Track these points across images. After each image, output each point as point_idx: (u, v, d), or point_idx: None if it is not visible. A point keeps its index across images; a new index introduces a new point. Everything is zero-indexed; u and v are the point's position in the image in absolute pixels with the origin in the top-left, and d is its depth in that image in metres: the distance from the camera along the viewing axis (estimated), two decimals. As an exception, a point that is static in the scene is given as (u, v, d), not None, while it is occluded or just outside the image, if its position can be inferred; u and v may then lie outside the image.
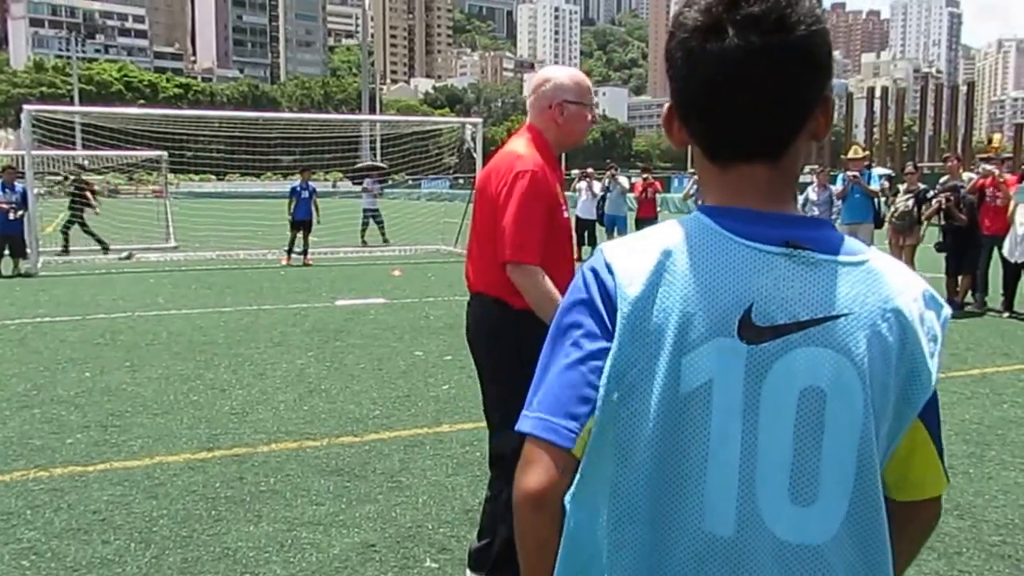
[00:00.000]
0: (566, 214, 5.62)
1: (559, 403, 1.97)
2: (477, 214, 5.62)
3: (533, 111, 5.65)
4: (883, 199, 21.66)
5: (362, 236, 37.46)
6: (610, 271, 2.00)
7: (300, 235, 29.00)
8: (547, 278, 5.18)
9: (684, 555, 1.93)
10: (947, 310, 2.02)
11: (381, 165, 45.13)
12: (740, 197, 1.99)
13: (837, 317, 1.89)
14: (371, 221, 38.20)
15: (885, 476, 1.97)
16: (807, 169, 25.70)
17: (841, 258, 1.93)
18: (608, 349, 1.96)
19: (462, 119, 40.57)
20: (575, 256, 23.26)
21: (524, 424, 2.00)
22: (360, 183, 39.53)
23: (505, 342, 5.48)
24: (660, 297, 1.94)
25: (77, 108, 47.42)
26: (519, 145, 5.55)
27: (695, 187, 25.84)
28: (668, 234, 2.01)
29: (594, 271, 2.03)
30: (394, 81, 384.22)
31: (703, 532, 1.91)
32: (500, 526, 5.61)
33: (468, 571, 6.05)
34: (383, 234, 37.64)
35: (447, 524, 7.16)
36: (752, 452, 1.89)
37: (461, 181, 36.51)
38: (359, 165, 38.52)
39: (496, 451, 5.74)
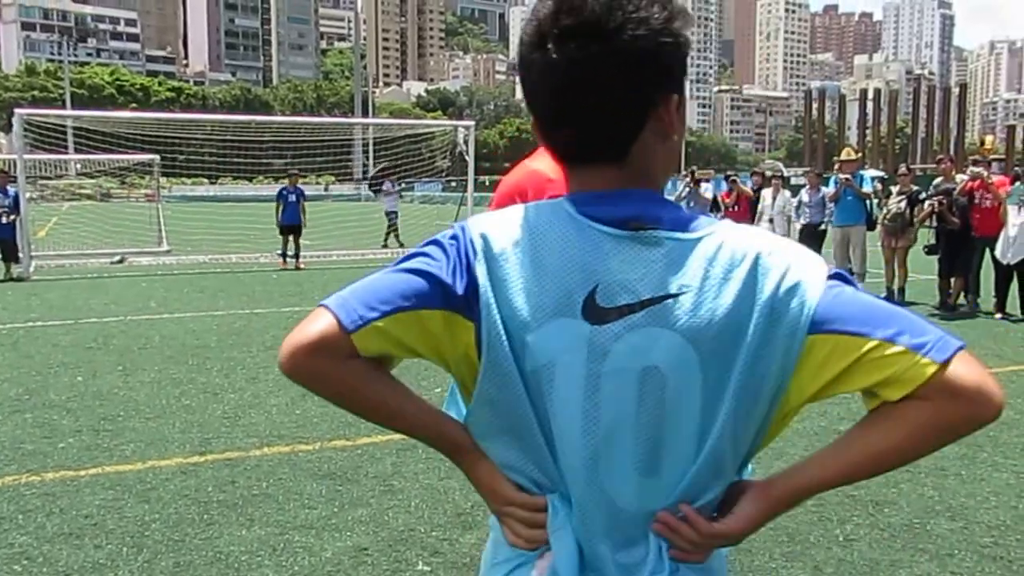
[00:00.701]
0: None
1: (365, 293, 2.04)
2: None
3: None
4: (875, 201, 21.71)
5: (385, 240, 36.98)
6: (471, 238, 2.07)
7: (292, 239, 28.99)
8: None
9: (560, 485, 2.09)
10: (821, 270, 1.98)
11: (392, 166, 45.10)
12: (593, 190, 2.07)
13: (678, 295, 1.93)
14: (395, 223, 37.66)
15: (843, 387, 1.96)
16: (800, 171, 25.74)
17: (683, 235, 1.97)
18: (441, 290, 2.02)
19: (454, 122, 40.54)
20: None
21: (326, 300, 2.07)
22: (378, 188, 39.10)
23: None
24: (510, 274, 2.01)
25: (69, 112, 47.40)
26: (546, 165, 5.56)
27: (687, 189, 25.86)
28: (526, 215, 2.08)
29: (463, 229, 2.11)
30: (386, 84, 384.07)
31: (559, 493, 2.08)
32: None
33: None
34: (397, 236, 37.30)
35: (439, 527, 7.17)
36: (595, 428, 1.99)
37: (454, 184, 36.62)
38: (373, 172, 38.40)
39: None
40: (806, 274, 1.94)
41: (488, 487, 2.18)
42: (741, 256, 1.95)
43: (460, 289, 2.02)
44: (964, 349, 1.86)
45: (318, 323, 2.02)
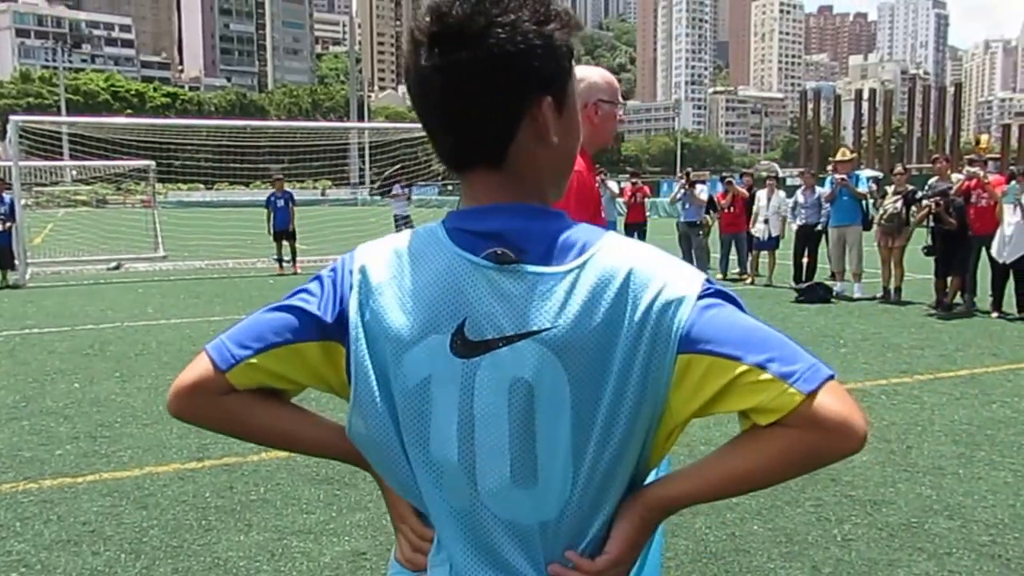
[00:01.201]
0: (603, 215, 5.68)
1: (241, 333, 2.13)
2: None
3: None
4: (871, 201, 21.75)
5: None
6: (350, 270, 2.13)
7: (286, 244, 29.01)
8: None
9: (439, 513, 2.10)
10: (695, 287, 1.96)
11: (403, 169, 45.05)
12: (475, 199, 2.09)
13: (541, 331, 1.94)
14: (403, 228, 37.58)
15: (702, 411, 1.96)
16: (796, 172, 25.79)
17: (549, 268, 1.97)
18: (316, 323, 2.09)
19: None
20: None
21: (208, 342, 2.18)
22: (387, 191, 38.89)
23: None
24: (383, 307, 2.05)
25: (64, 119, 47.53)
26: None
27: (682, 191, 25.89)
28: (407, 244, 2.12)
29: (343, 261, 2.16)
30: (382, 88, 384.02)
31: (444, 497, 2.08)
32: None
33: None
34: None
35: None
36: (470, 442, 2.01)
37: (450, 188, 36.60)
38: (386, 175, 38.31)
39: None
40: (678, 291, 1.94)
41: (390, 501, 2.25)
42: (611, 277, 1.95)
43: (331, 319, 2.09)
44: (832, 379, 1.86)
45: (196, 366, 2.14)
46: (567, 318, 1.92)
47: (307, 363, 2.12)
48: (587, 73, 5.66)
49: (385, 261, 2.10)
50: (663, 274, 1.96)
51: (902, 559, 6.64)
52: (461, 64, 1.92)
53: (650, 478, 2.17)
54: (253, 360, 2.09)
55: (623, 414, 1.95)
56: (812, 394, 1.82)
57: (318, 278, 2.16)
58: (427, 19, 1.98)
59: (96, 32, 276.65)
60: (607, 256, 1.97)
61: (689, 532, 7.14)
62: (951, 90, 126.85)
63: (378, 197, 75.71)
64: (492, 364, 1.97)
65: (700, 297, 1.93)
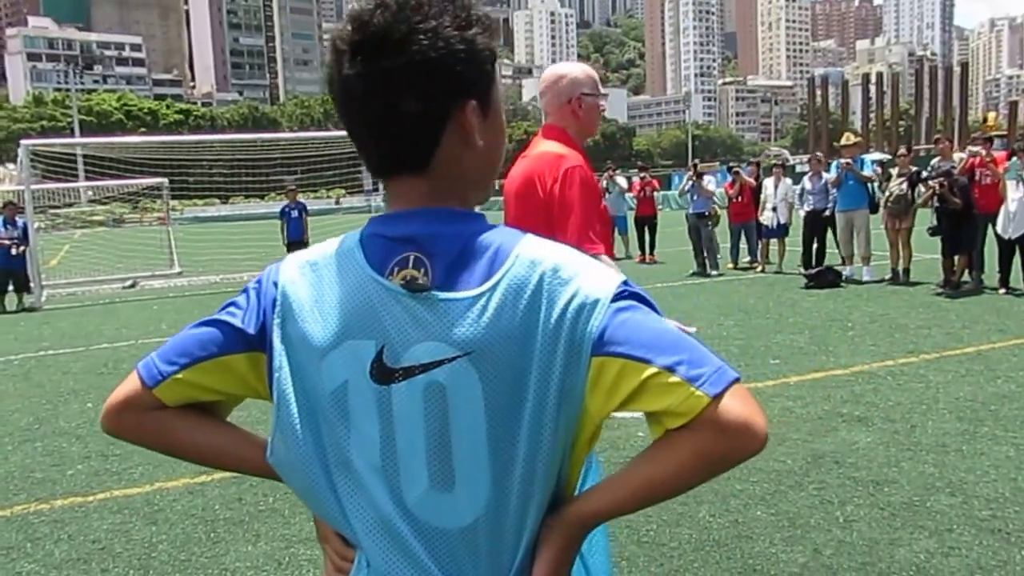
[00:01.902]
0: (603, 204, 5.75)
1: (169, 350, 2.19)
2: (520, 215, 5.60)
3: (551, 109, 5.75)
4: (876, 184, 21.74)
5: None
6: (274, 281, 2.17)
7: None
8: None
9: (363, 523, 2.09)
10: (612, 288, 1.99)
11: None
12: (398, 205, 2.12)
13: (458, 357, 1.95)
14: None
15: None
16: (805, 159, 25.79)
17: (460, 294, 1.97)
18: (241, 336, 2.14)
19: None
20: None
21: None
22: None
23: None
24: (304, 309, 2.09)
25: (74, 140, 47.63)
26: (553, 146, 5.65)
27: (690, 183, 25.87)
28: (324, 251, 2.16)
29: (267, 273, 2.20)
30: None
31: (367, 503, 2.08)
32: None
33: None
34: None
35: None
36: (391, 445, 2.03)
37: None
38: None
39: None
40: (592, 294, 1.95)
41: (316, 520, 2.30)
42: (524, 288, 1.96)
43: (255, 330, 2.13)
44: (738, 382, 1.89)
45: (126, 384, 2.21)
46: (482, 333, 1.94)
47: (235, 374, 2.17)
48: (568, 69, 5.74)
49: (305, 273, 2.13)
50: (577, 279, 1.97)
51: (903, 538, 6.67)
52: (384, 72, 1.95)
53: (582, 483, 2.21)
54: (179, 375, 2.14)
55: (543, 418, 1.96)
56: (718, 397, 1.86)
57: (245, 291, 2.20)
58: (348, 28, 2.00)
59: (107, 52, 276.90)
60: (520, 267, 1.98)
61: (693, 521, 7.19)
62: (957, 70, 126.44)
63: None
64: (410, 383, 1.99)
65: (614, 299, 1.96)
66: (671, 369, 1.88)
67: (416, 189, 2.08)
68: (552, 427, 1.98)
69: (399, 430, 2.02)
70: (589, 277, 1.99)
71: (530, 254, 2.01)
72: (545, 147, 5.69)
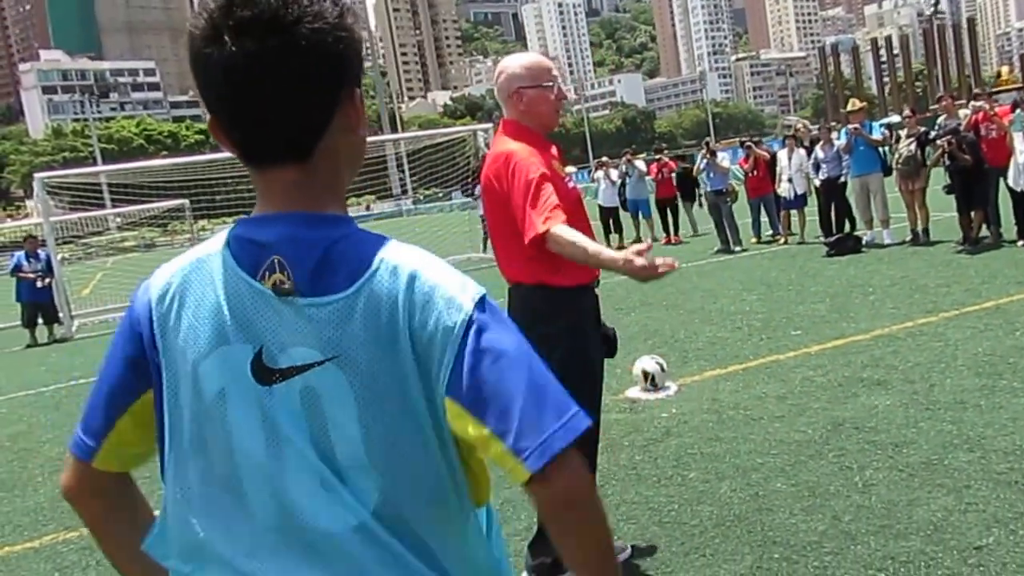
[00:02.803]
0: (571, 184, 5.83)
1: (90, 417, 2.17)
2: (491, 217, 5.87)
3: (504, 107, 5.89)
4: (887, 148, 21.68)
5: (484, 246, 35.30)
6: (145, 297, 2.11)
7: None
8: (576, 231, 5.37)
9: (243, 545, 2.04)
10: (472, 297, 1.98)
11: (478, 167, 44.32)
12: (269, 201, 2.05)
13: (326, 361, 1.93)
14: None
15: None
16: (814, 129, 25.66)
17: (320, 299, 1.94)
18: (137, 362, 2.10)
19: (472, 127, 40.14)
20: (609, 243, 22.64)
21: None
22: (471, 194, 37.65)
23: (552, 321, 5.70)
24: (176, 318, 2.04)
25: (88, 169, 47.73)
26: (502, 143, 5.75)
27: (704, 162, 25.81)
28: (193, 257, 2.10)
29: (137, 291, 2.15)
30: (411, 98, 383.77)
31: (253, 525, 2.03)
32: None
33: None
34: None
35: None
36: (277, 447, 1.97)
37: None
38: (472, 179, 37.38)
39: None
40: (449, 312, 1.93)
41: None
42: (386, 290, 1.94)
43: (142, 356, 2.09)
44: (566, 449, 1.89)
45: (66, 467, 2.25)
46: (346, 338, 1.93)
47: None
48: (507, 64, 5.88)
49: (175, 282, 2.07)
50: (436, 291, 1.96)
51: (921, 497, 6.66)
52: (275, 52, 1.88)
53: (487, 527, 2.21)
54: (105, 442, 2.16)
55: (417, 423, 1.97)
56: (541, 470, 1.88)
57: (127, 319, 2.14)
58: (231, 4, 1.90)
59: (121, 79, 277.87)
60: (383, 274, 1.96)
61: (714, 498, 7.20)
62: (965, 26, 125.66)
63: (423, 205, 75.71)
64: (288, 384, 1.96)
65: (469, 324, 1.93)
66: (500, 436, 1.89)
67: (289, 179, 2.02)
68: (428, 433, 1.98)
69: (283, 431, 1.97)
70: (446, 298, 1.96)
71: (392, 260, 1.98)
72: (499, 146, 5.81)
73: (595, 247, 5.34)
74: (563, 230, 5.30)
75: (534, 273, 5.67)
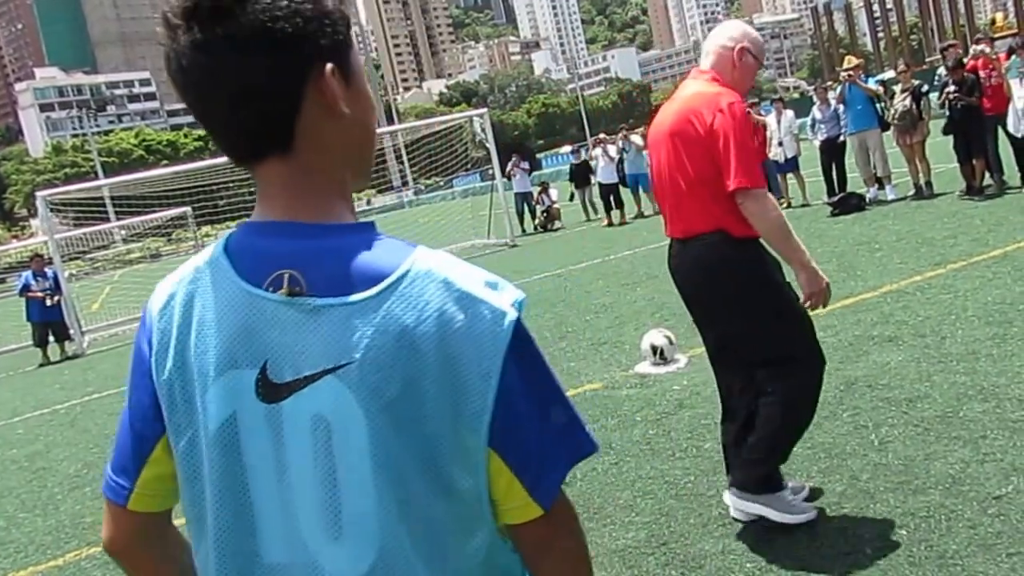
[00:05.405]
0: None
1: (119, 456, 2.02)
2: (673, 159, 5.79)
3: (714, 53, 5.93)
4: (882, 104, 21.62)
5: (521, 223, 35.69)
6: (148, 320, 1.98)
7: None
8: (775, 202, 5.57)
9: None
10: (510, 315, 1.83)
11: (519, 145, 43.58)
12: (269, 201, 1.92)
13: (341, 367, 1.76)
14: (525, 207, 36.23)
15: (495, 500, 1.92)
16: (810, 90, 25.64)
17: (340, 300, 1.78)
18: (151, 391, 1.94)
19: (468, 113, 39.89)
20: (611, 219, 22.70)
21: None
22: (512, 175, 36.80)
23: (735, 269, 5.77)
24: (180, 341, 1.90)
25: (88, 184, 47.49)
26: (706, 86, 5.78)
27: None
28: (192, 270, 1.95)
29: (143, 313, 2.01)
30: (407, 88, 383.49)
31: (262, 561, 1.90)
32: (765, 423, 5.91)
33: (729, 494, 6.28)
34: (535, 219, 35.90)
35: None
36: (287, 483, 1.83)
37: (491, 172, 35.60)
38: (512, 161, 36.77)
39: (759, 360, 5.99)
40: (488, 332, 1.80)
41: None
42: (416, 294, 1.80)
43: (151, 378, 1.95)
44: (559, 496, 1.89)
45: (105, 518, 2.09)
46: (360, 353, 1.76)
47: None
48: (736, 24, 6.07)
49: (175, 300, 1.93)
50: (473, 302, 1.81)
51: (938, 451, 6.66)
52: (225, 38, 1.76)
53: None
54: (139, 481, 2.00)
55: (440, 448, 1.81)
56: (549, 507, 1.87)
57: (137, 343, 2.01)
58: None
59: (117, 92, 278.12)
60: (413, 277, 1.81)
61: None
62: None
63: (425, 195, 75.69)
64: (295, 405, 1.79)
65: (511, 341, 1.81)
66: (520, 476, 1.86)
67: (282, 175, 1.89)
68: (452, 462, 1.84)
69: (294, 470, 1.83)
70: (486, 297, 1.83)
71: (423, 265, 1.83)
72: (698, 87, 5.82)
73: (790, 226, 5.59)
74: (766, 195, 5.52)
75: (720, 222, 5.65)
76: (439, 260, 1.86)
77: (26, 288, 26.16)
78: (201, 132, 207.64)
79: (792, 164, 24.25)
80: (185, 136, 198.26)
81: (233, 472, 1.87)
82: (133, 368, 1.99)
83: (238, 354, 1.83)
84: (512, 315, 1.83)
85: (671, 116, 5.79)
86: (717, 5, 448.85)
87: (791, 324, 5.79)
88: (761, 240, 5.71)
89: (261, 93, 1.81)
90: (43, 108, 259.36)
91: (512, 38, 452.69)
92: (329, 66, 1.85)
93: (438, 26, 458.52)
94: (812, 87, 26.27)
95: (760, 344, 5.91)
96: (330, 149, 1.91)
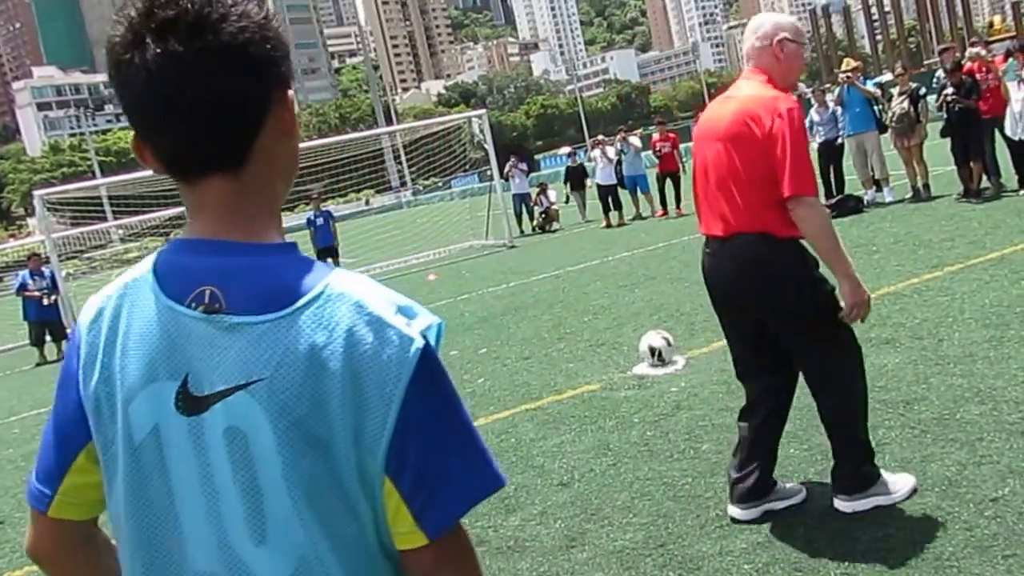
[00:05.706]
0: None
1: (43, 464, 2.04)
2: (724, 159, 5.82)
3: (755, 53, 5.93)
4: (880, 107, 21.66)
5: (519, 224, 35.59)
6: (79, 320, 2.04)
7: (330, 261, 29.06)
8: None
9: None
10: (418, 342, 1.85)
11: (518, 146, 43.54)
12: (201, 219, 1.94)
13: (252, 383, 1.80)
14: (524, 208, 36.32)
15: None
16: (808, 92, 25.62)
17: (253, 318, 1.82)
18: (77, 401, 1.98)
19: (466, 114, 39.94)
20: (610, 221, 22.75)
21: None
22: (510, 176, 36.58)
23: (779, 268, 5.83)
24: (104, 345, 1.95)
25: (84, 184, 47.61)
26: (760, 88, 5.79)
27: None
28: (122, 286, 1.99)
29: (73, 326, 2.08)
30: (405, 89, 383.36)
31: (190, 568, 1.92)
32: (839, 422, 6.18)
33: (732, 506, 6.35)
34: (533, 220, 35.88)
35: (483, 516, 7.16)
36: (213, 490, 1.87)
37: (489, 173, 35.61)
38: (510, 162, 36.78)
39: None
40: (395, 358, 1.82)
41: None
42: (327, 316, 1.83)
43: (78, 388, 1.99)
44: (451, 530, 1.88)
45: (29, 527, 2.11)
46: (272, 370, 1.80)
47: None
48: (766, 16, 6.05)
49: (104, 314, 1.98)
50: (383, 328, 1.84)
51: (935, 453, 6.67)
52: (204, 52, 1.79)
53: None
54: (61, 488, 2.02)
55: (342, 466, 1.84)
56: (438, 536, 1.86)
57: (67, 355, 2.05)
58: (152, 6, 1.82)
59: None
60: (326, 299, 1.85)
61: (728, 469, 7.18)
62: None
63: (424, 196, 75.71)
64: (213, 418, 1.84)
65: (416, 366, 1.82)
66: (408, 501, 1.85)
67: (223, 193, 1.91)
68: (355, 484, 1.87)
69: (215, 474, 1.87)
70: (394, 323, 1.85)
71: (337, 287, 1.87)
72: (752, 89, 5.83)
73: (833, 237, 5.66)
74: (818, 203, 5.64)
75: (765, 223, 5.70)
76: (354, 283, 1.90)
77: (23, 287, 26.18)
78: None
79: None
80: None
81: (158, 482, 1.91)
82: (60, 379, 2.03)
83: (160, 368, 1.88)
84: (419, 343, 1.85)
85: (727, 116, 5.80)
86: (716, 7, 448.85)
87: (832, 318, 5.82)
88: (802, 241, 5.77)
89: (233, 111, 1.86)
90: (41, 107, 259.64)
91: (511, 39, 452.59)
92: (291, 91, 1.96)
93: (437, 27, 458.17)
94: (810, 89, 26.15)
95: (802, 338, 6.01)
96: (274, 169, 1.98)
